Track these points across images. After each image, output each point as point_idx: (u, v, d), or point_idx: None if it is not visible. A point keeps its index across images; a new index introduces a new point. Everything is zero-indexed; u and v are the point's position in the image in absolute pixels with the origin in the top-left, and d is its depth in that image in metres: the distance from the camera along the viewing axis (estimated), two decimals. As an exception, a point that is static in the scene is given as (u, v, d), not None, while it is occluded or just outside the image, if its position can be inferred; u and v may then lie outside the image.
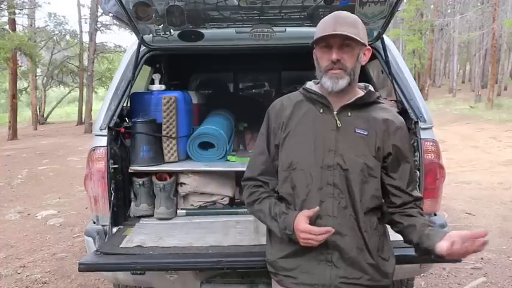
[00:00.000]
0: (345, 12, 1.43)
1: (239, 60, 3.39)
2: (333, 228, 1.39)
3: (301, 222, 1.36)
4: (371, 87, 1.54)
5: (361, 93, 1.49)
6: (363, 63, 1.47)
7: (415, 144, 2.20)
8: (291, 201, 1.47)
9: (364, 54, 1.46)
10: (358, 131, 1.43)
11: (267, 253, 1.57)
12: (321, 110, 1.46)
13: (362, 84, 1.55)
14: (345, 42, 1.37)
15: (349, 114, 1.45)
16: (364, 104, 1.47)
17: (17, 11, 16.22)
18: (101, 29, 20.28)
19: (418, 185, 2.10)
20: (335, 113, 1.45)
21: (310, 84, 1.54)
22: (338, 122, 1.43)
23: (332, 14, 1.43)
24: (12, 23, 15.06)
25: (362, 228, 1.42)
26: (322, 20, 1.44)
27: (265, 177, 1.54)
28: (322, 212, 1.41)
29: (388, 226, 1.56)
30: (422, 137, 2.20)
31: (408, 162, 1.49)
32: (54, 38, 22.59)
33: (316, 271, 1.42)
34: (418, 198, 1.50)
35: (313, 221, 1.40)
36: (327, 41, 1.38)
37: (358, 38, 1.36)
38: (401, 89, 2.37)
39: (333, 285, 1.41)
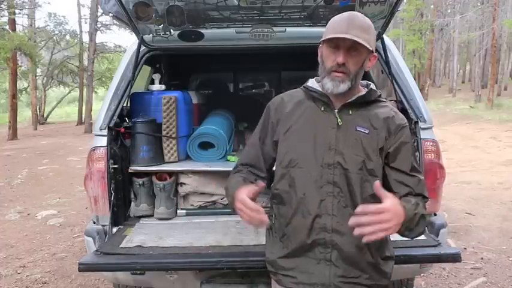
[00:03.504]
0: (360, 15, 1.40)
1: (239, 60, 3.39)
2: (332, 227, 1.40)
3: (242, 192, 1.37)
4: (373, 86, 1.52)
5: (362, 91, 1.48)
6: (367, 69, 1.45)
7: (415, 144, 2.20)
8: (286, 199, 1.47)
9: (369, 60, 1.44)
10: (359, 129, 1.43)
11: (267, 252, 1.57)
12: (322, 108, 1.46)
13: (364, 82, 1.54)
14: (353, 46, 1.36)
15: (350, 112, 1.45)
16: (366, 102, 1.47)
17: (17, 11, 16.22)
18: (101, 29, 20.27)
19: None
20: (336, 111, 1.44)
21: (311, 82, 1.53)
22: (339, 120, 1.43)
23: (347, 13, 1.40)
24: (12, 23, 15.05)
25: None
26: (335, 17, 1.41)
27: (252, 168, 1.57)
28: (322, 210, 1.40)
29: None
30: (422, 137, 2.20)
31: (411, 161, 1.46)
32: (54, 38, 22.57)
33: (315, 270, 1.42)
34: (422, 195, 1.46)
35: (312, 219, 1.40)
36: (336, 42, 1.37)
37: (367, 45, 1.35)
38: (401, 89, 2.37)
39: (332, 284, 1.41)
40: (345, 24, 1.36)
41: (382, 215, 1.19)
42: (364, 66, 1.42)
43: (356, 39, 1.33)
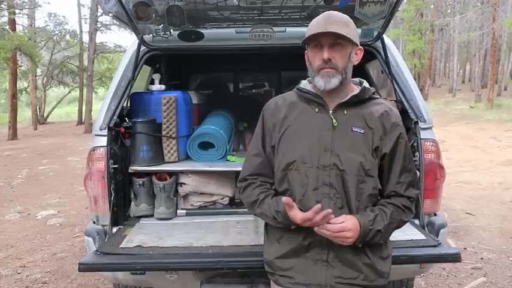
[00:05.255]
0: (336, 12, 1.42)
1: (239, 60, 3.39)
2: None
3: (297, 216, 1.36)
4: (366, 83, 1.52)
5: (356, 90, 1.47)
6: (355, 62, 1.46)
7: (415, 144, 2.20)
8: None
9: (356, 54, 1.45)
10: (355, 129, 1.42)
11: (264, 253, 1.57)
12: (316, 109, 1.46)
13: (357, 79, 1.54)
14: (336, 41, 1.37)
15: (345, 112, 1.44)
16: (360, 101, 1.47)
17: (17, 11, 16.22)
18: (101, 29, 20.26)
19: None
20: (331, 111, 1.44)
21: (304, 84, 1.53)
22: (334, 121, 1.42)
23: (323, 13, 1.42)
24: (12, 23, 15.06)
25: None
26: (313, 19, 1.44)
27: (261, 177, 1.53)
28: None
29: None
30: (422, 137, 2.20)
31: (403, 161, 1.46)
32: (54, 38, 22.56)
33: (312, 271, 1.42)
34: (408, 197, 1.46)
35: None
36: (319, 40, 1.38)
37: (348, 36, 1.36)
38: (401, 89, 2.37)
39: (329, 285, 1.41)
40: (323, 22, 1.38)
41: (344, 233, 1.33)
42: (351, 60, 1.43)
43: (335, 31, 1.34)
